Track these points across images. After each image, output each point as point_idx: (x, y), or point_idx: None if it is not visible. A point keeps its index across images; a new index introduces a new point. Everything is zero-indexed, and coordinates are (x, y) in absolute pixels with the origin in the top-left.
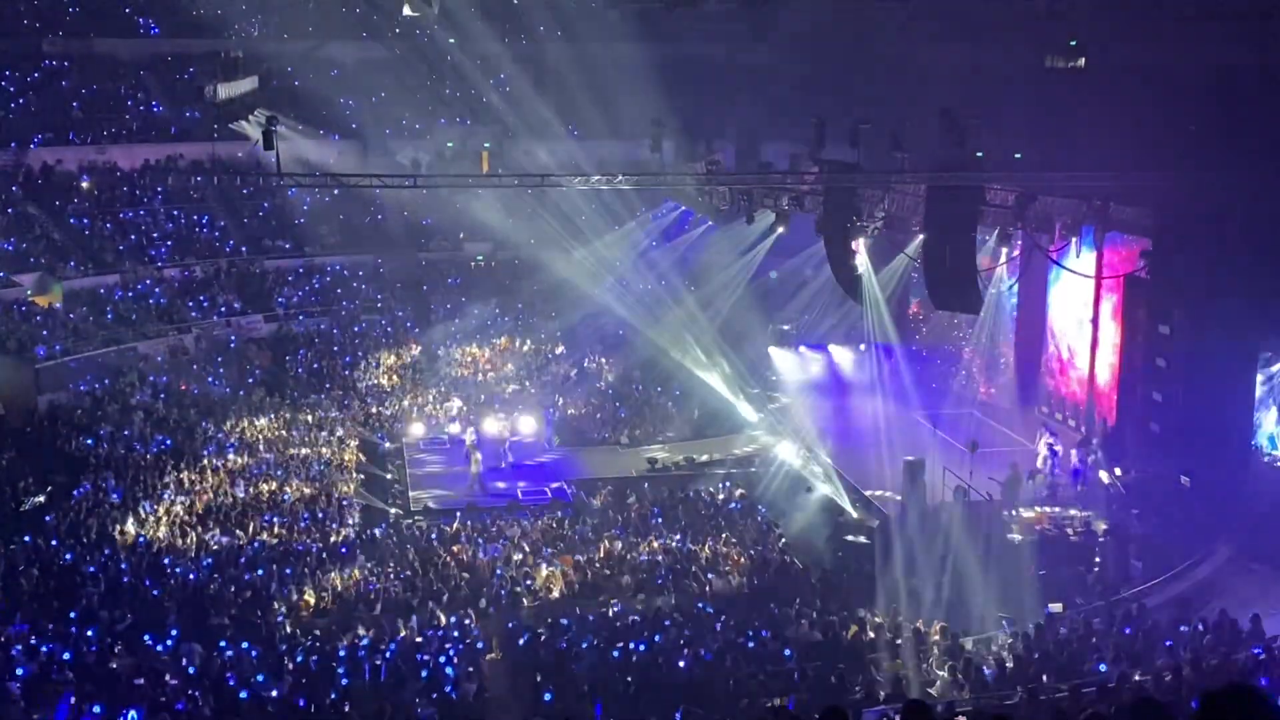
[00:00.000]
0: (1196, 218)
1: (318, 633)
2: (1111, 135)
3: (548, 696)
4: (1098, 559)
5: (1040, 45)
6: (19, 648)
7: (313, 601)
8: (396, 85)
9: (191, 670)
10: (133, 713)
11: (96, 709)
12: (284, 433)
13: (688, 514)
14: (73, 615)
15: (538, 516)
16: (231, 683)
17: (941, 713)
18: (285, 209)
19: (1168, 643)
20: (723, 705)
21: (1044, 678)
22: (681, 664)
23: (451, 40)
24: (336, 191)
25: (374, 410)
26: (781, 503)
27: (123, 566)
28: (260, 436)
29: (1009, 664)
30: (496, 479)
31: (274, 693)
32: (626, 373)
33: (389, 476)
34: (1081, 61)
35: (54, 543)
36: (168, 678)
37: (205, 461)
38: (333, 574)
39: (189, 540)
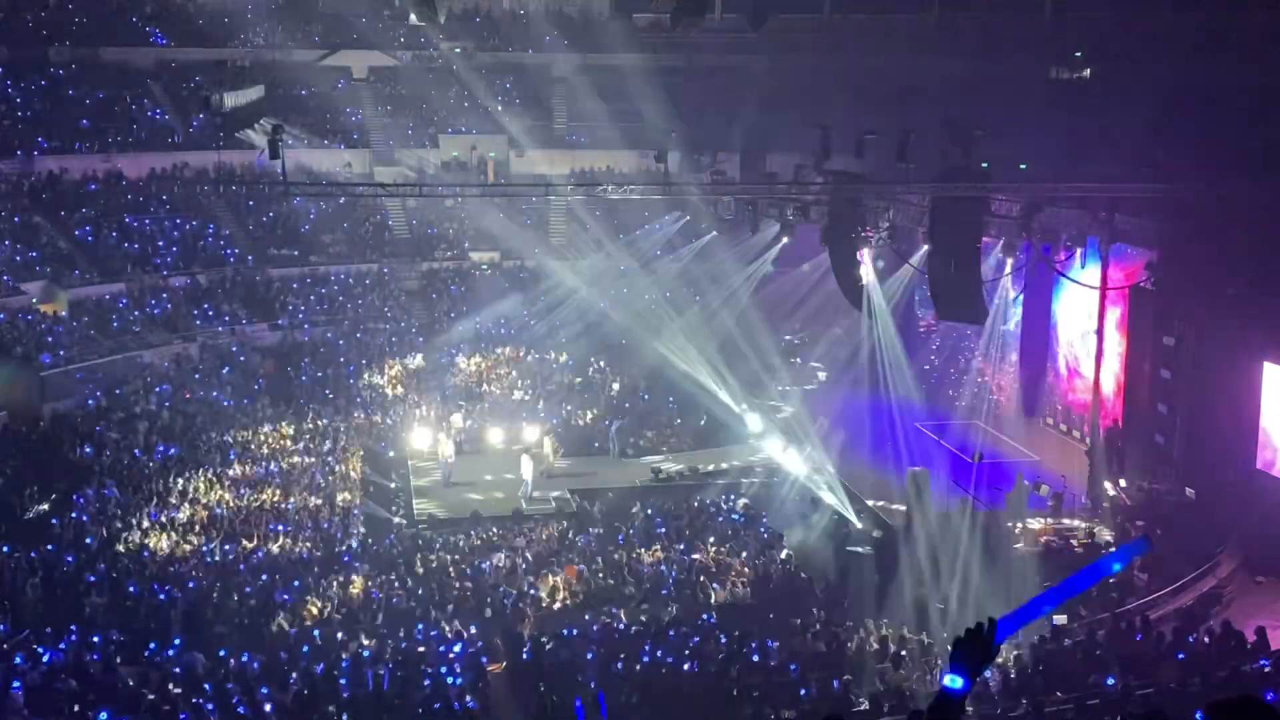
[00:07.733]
0: (1201, 229)
1: (321, 643)
2: (1116, 147)
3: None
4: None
5: (1046, 57)
6: (22, 655)
7: (316, 611)
8: (402, 94)
9: (195, 680)
10: None
11: (103, 716)
12: (288, 442)
13: (691, 524)
14: (76, 624)
15: (541, 526)
16: (234, 694)
17: None
18: (290, 218)
19: (1180, 655)
20: (726, 717)
21: (1049, 690)
22: (684, 676)
23: (457, 50)
24: (342, 200)
25: (377, 419)
26: (786, 513)
27: (126, 575)
28: (264, 445)
29: (1014, 676)
30: None
31: (276, 704)
32: (631, 382)
33: (392, 485)
34: (1086, 73)
35: (54, 550)
36: (171, 687)
37: (209, 470)
38: (335, 583)
39: (192, 549)
